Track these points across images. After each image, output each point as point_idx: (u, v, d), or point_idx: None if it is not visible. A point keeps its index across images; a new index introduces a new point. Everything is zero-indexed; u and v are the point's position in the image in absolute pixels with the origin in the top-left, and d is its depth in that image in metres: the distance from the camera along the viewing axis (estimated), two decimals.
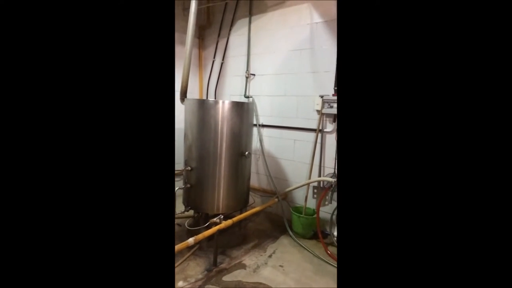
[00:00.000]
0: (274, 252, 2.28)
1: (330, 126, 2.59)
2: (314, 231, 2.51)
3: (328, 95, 2.53)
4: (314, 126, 2.65)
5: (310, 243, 2.43)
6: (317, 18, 2.62)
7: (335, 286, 1.89)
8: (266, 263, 2.12)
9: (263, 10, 3.03)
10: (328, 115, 2.58)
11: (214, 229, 2.01)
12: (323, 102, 2.54)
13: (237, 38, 3.28)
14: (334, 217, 2.27)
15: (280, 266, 2.10)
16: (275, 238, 2.53)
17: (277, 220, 2.87)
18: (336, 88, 2.52)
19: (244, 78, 3.22)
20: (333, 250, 2.31)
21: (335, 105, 2.47)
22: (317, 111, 2.62)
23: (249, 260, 2.16)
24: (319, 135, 2.63)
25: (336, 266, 2.11)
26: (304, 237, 2.53)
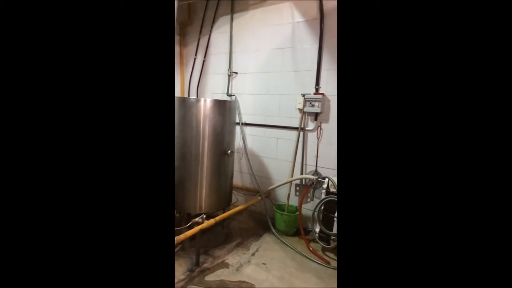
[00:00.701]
0: (257, 250, 2.29)
1: (312, 125, 2.63)
2: (296, 228, 2.54)
3: (310, 94, 2.56)
4: (296, 125, 2.68)
5: (292, 240, 2.46)
6: (298, 18, 2.64)
7: (317, 282, 1.93)
8: (249, 261, 2.12)
9: (245, 8, 3.01)
10: (309, 113, 2.62)
11: (196, 229, 1.98)
12: (305, 100, 2.57)
13: (219, 35, 3.25)
14: (316, 214, 2.31)
15: (263, 263, 2.11)
16: (258, 236, 2.54)
17: (260, 219, 2.88)
18: (317, 87, 2.56)
19: (227, 76, 3.19)
20: (315, 246, 2.35)
21: (316, 103, 2.51)
22: (299, 109, 2.65)
23: (232, 259, 2.15)
24: (301, 133, 2.66)
25: (317, 262, 2.15)
26: (287, 234, 2.56)
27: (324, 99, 2.50)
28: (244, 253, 2.24)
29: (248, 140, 3.10)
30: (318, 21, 2.49)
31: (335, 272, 2.05)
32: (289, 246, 2.35)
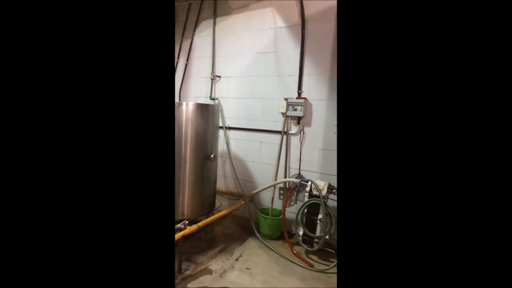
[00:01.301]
0: (241, 255, 2.27)
1: (295, 128, 2.66)
2: (280, 232, 2.55)
3: (292, 98, 2.59)
4: (280, 128, 2.70)
5: (276, 244, 2.46)
6: (280, 23, 2.68)
7: (301, 285, 1.93)
8: (233, 267, 2.10)
9: (228, 12, 3.02)
10: (292, 117, 2.65)
11: (178, 235, 1.94)
12: (288, 104, 2.59)
13: (202, 39, 3.23)
14: (299, 217, 2.32)
15: (247, 268, 2.09)
16: (242, 241, 2.51)
17: (244, 223, 2.86)
18: (299, 91, 2.60)
19: (210, 80, 3.17)
20: (299, 249, 2.36)
21: (299, 107, 2.54)
22: (282, 113, 2.67)
23: (216, 265, 2.12)
24: (284, 137, 2.68)
25: (301, 265, 2.15)
26: (271, 238, 2.55)
27: (306, 103, 2.54)
28: (228, 259, 2.21)
29: (232, 144, 3.09)
30: (300, 27, 2.54)
31: (319, 274, 2.07)
32: (273, 250, 2.34)
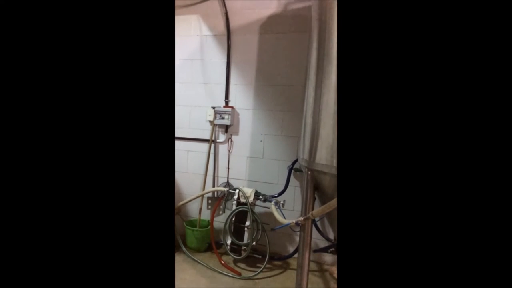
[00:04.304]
0: None
1: (223, 137, 2.66)
2: (208, 243, 2.48)
3: (220, 107, 2.60)
4: (207, 137, 2.66)
5: (204, 256, 2.38)
6: (206, 31, 2.67)
7: None
8: None
9: None
10: (220, 125, 2.64)
11: None
12: (215, 113, 2.58)
13: None
14: (227, 226, 2.31)
15: None
16: None
17: None
18: (226, 100, 2.62)
19: None
20: (227, 259, 2.34)
21: (226, 116, 2.56)
22: (210, 121, 2.65)
23: None
24: (212, 145, 2.65)
25: (228, 275, 2.13)
26: (198, 250, 2.46)
27: (233, 112, 2.58)
28: None
29: None
30: (226, 37, 2.58)
31: (246, 282, 2.08)
32: (200, 263, 2.26)
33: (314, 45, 1.66)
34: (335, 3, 1.47)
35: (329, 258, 2.40)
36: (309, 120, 1.66)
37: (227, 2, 2.52)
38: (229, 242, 2.32)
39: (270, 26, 2.46)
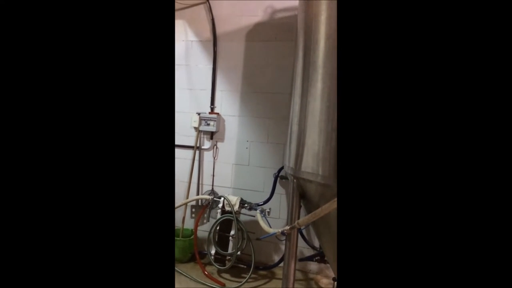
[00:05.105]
0: None
1: (208, 143, 2.61)
2: (192, 253, 2.40)
3: (205, 113, 2.56)
4: (192, 143, 2.61)
5: (187, 267, 2.30)
6: (192, 37, 2.65)
7: None
8: None
9: None
10: (205, 132, 2.60)
11: None
12: (200, 119, 2.54)
13: None
14: (212, 235, 2.25)
15: None
16: None
17: None
18: (212, 106, 2.59)
19: None
20: (211, 269, 2.27)
21: (212, 122, 2.52)
22: (195, 128, 2.60)
23: None
24: (197, 152, 2.60)
25: (212, 286, 2.06)
26: (181, 261, 2.38)
27: (219, 119, 2.54)
28: None
29: None
30: (212, 43, 2.56)
31: None
32: (183, 274, 2.18)
33: (300, 53, 1.67)
34: (322, 12, 1.49)
35: (314, 267, 2.38)
36: (295, 127, 1.66)
37: (213, 9, 2.51)
38: (213, 252, 2.26)
39: (257, 33, 2.47)
